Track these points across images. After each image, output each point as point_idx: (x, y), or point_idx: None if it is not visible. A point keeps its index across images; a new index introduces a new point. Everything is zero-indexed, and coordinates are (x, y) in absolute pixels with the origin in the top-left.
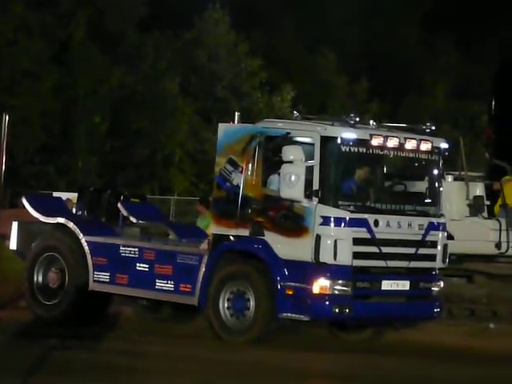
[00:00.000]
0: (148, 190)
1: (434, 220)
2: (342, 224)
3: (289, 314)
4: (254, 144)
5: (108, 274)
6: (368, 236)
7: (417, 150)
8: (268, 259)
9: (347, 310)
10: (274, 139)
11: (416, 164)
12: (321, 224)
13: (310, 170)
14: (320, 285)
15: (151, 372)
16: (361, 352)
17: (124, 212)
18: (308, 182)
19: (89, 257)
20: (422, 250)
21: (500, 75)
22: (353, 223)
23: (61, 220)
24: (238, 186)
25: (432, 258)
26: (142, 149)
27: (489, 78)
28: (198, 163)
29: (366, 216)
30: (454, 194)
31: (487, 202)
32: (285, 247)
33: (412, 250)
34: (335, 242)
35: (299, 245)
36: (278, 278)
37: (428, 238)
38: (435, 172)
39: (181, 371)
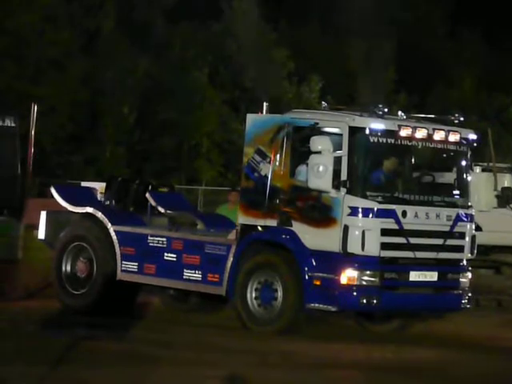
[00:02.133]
0: (175, 180)
1: (462, 211)
2: (370, 215)
3: (316, 305)
4: (282, 134)
5: (136, 263)
6: (396, 227)
7: (445, 141)
8: (296, 250)
9: (375, 301)
10: (303, 129)
11: (444, 155)
12: (349, 214)
13: (338, 161)
14: (348, 275)
15: (178, 362)
16: (388, 343)
17: (152, 202)
18: (336, 173)
19: (117, 246)
20: (449, 241)
21: None
22: (381, 214)
23: (89, 209)
24: (266, 177)
25: (460, 249)
26: (170, 139)
27: None
28: (225, 153)
29: (394, 207)
30: (482, 185)
31: None
32: (312, 238)
33: (440, 241)
34: (363, 232)
35: (327, 235)
36: (306, 269)
37: (456, 229)
38: (463, 163)
39: (208, 361)
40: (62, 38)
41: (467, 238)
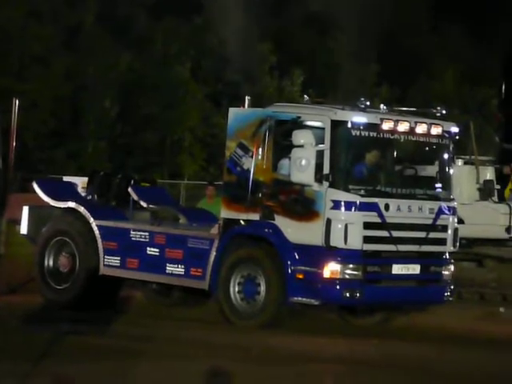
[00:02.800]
0: (158, 175)
1: (445, 204)
2: (353, 208)
3: (299, 298)
4: (264, 128)
5: (118, 258)
6: (378, 220)
7: (427, 134)
8: (278, 243)
9: (358, 294)
10: (285, 123)
11: (426, 148)
12: (331, 208)
13: (320, 154)
14: (330, 269)
15: (161, 357)
16: (371, 337)
17: (134, 196)
18: (318, 166)
19: (99, 241)
20: (432, 234)
21: (510, 59)
22: (363, 207)
23: (71, 204)
24: (248, 171)
25: (443, 241)
26: (152, 134)
27: (499, 62)
28: (207, 148)
29: (376, 200)
30: (464, 178)
31: (497, 186)
32: (295, 231)
33: (423, 234)
34: (346, 226)
35: (310, 229)
36: (289, 262)
37: (438, 222)
38: (446, 156)
39: (191, 356)
40: (45, 33)
41: (450, 231)
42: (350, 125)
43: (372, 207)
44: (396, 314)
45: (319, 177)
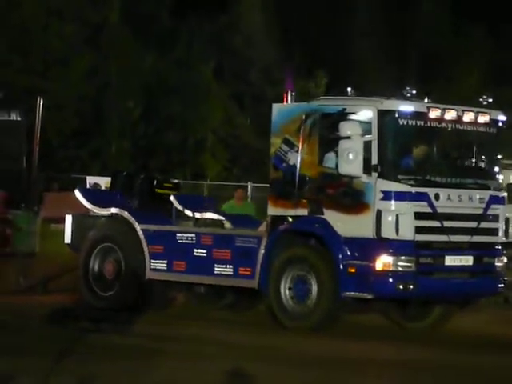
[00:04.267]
0: (180, 175)
1: (495, 193)
2: (403, 198)
3: (352, 293)
4: (309, 122)
5: (165, 261)
6: (429, 210)
7: (475, 123)
8: (328, 238)
9: (411, 287)
10: (330, 116)
11: (474, 136)
12: (381, 199)
13: (367, 145)
14: (383, 261)
15: (180, 355)
16: (419, 341)
17: (177, 205)
18: (366, 158)
19: (145, 245)
20: (483, 224)
21: None
22: (414, 197)
23: (115, 210)
24: (294, 166)
25: (494, 232)
26: (175, 134)
27: None
28: (230, 148)
29: (426, 190)
30: None
31: None
32: (345, 224)
33: (474, 224)
34: (397, 216)
35: (360, 221)
36: (340, 257)
37: (489, 212)
38: (493, 144)
39: (209, 355)
40: (67, 31)
41: (501, 221)
42: (397, 114)
43: (422, 197)
44: (448, 317)
45: (367, 168)
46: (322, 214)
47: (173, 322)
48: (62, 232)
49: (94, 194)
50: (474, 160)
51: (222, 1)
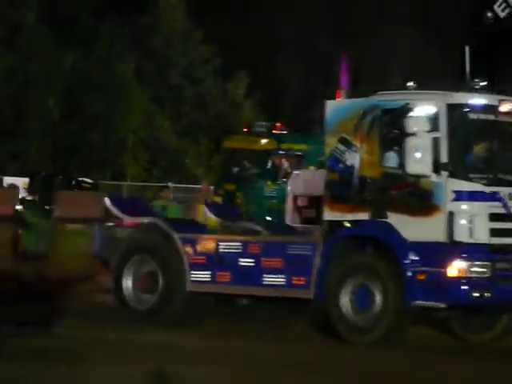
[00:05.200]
0: (99, 176)
1: None
2: (477, 198)
3: (421, 302)
4: (368, 119)
5: (208, 272)
6: (503, 211)
7: None
8: (395, 243)
9: (487, 294)
10: (392, 112)
11: None
12: (453, 200)
13: (435, 143)
14: (457, 267)
15: (105, 359)
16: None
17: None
18: (434, 156)
19: (184, 256)
20: None
21: None
22: (487, 197)
23: (149, 219)
24: (352, 167)
25: None
26: (96, 133)
27: None
28: (150, 150)
29: (499, 189)
30: None
31: None
32: (412, 228)
33: None
34: (471, 218)
35: (429, 224)
36: (408, 263)
37: None
38: None
39: (136, 358)
40: None
41: None
42: (467, 108)
43: (496, 197)
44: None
45: (436, 167)
46: (386, 217)
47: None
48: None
49: (124, 204)
50: None
51: (141, 3)
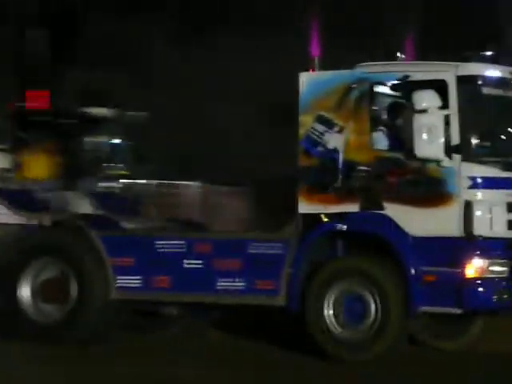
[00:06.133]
0: None
1: None
2: (495, 186)
3: (431, 308)
4: (356, 94)
5: (139, 277)
6: None
7: None
8: (395, 238)
9: (506, 297)
10: (387, 86)
11: None
12: (470, 187)
13: (445, 121)
14: (476, 265)
15: None
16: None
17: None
18: (446, 136)
19: (106, 258)
20: None
21: None
22: (505, 184)
23: (57, 215)
24: (335, 150)
25: None
26: None
27: None
28: None
29: None
30: None
31: None
32: (417, 221)
33: None
34: (491, 208)
35: (439, 216)
36: (413, 262)
37: None
38: None
39: None
40: None
41: None
42: (481, 81)
43: (506, 183)
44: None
45: (447, 149)
46: (382, 209)
47: None
48: None
49: (17, 196)
50: None
51: None
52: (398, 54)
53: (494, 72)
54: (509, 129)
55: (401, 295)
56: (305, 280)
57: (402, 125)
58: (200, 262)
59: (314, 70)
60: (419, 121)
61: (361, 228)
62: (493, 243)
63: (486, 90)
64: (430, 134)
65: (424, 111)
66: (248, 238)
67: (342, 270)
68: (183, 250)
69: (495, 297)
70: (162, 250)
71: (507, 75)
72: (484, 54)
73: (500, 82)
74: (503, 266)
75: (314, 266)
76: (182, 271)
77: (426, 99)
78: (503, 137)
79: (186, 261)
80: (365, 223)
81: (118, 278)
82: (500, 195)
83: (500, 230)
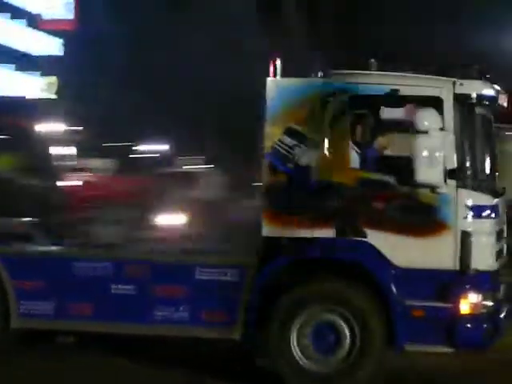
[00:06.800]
0: None
1: None
2: (490, 215)
3: (418, 345)
4: (332, 108)
5: (50, 303)
6: (498, 228)
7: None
8: (380, 269)
9: (493, 332)
10: (372, 100)
11: None
12: (467, 217)
13: (443, 143)
14: (471, 301)
15: None
16: None
17: None
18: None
19: (7, 280)
20: None
21: None
22: (495, 213)
23: None
24: (307, 167)
25: None
26: None
27: None
28: None
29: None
30: None
31: None
32: (404, 251)
33: None
34: (488, 240)
35: (432, 247)
36: (398, 295)
37: None
38: None
39: None
40: None
41: None
42: (478, 100)
43: (498, 212)
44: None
45: (444, 174)
46: (365, 236)
47: None
48: None
49: None
50: None
51: None
52: (372, 60)
53: (489, 91)
54: (491, 152)
55: (380, 329)
56: (267, 309)
57: (390, 145)
58: (131, 287)
59: (275, 76)
60: (421, 143)
61: (339, 256)
62: (484, 276)
63: (479, 110)
64: (431, 158)
65: (424, 132)
66: (196, 263)
67: (312, 296)
68: (109, 272)
69: (487, 333)
70: (82, 272)
71: (495, 93)
72: (473, 70)
73: (491, 101)
74: (491, 300)
75: (278, 292)
76: (107, 297)
77: (427, 119)
78: (490, 161)
79: (113, 285)
80: (343, 251)
81: (22, 302)
82: (494, 225)
83: (493, 263)
